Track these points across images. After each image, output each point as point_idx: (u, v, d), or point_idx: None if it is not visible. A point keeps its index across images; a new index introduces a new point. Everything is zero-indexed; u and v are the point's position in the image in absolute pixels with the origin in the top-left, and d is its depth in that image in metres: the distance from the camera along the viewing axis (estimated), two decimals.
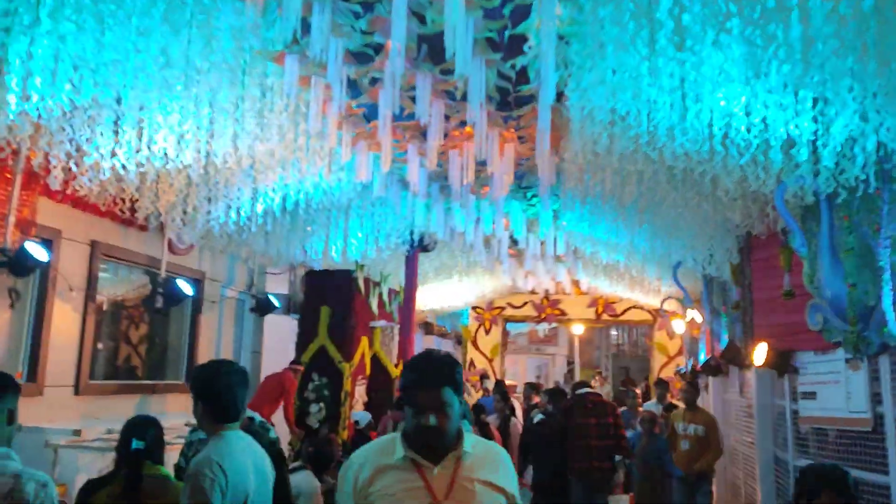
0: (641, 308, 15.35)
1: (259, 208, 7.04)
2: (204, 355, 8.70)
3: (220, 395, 2.89)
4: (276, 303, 9.01)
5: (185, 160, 5.65)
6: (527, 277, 13.73)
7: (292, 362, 9.06)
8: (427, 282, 12.66)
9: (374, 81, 5.24)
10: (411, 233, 9.07)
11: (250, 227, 7.41)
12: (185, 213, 6.71)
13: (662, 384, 8.12)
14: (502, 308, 16.11)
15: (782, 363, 5.95)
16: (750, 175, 5.05)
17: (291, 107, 5.50)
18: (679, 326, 12.61)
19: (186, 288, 7.53)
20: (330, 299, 9.72)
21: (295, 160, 6.10)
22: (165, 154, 5.54)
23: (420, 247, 9.57)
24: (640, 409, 9.86)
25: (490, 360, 15.86)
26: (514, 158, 6.04)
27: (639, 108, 4.69)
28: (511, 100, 5.33)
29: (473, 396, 11.13)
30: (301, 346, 9.72)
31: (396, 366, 11.35)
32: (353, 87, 5.30)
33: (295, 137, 5.70)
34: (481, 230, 9.42)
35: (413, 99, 5.27)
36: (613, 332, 23.47)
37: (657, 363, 15.25)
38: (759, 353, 6.01)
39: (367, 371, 10.35)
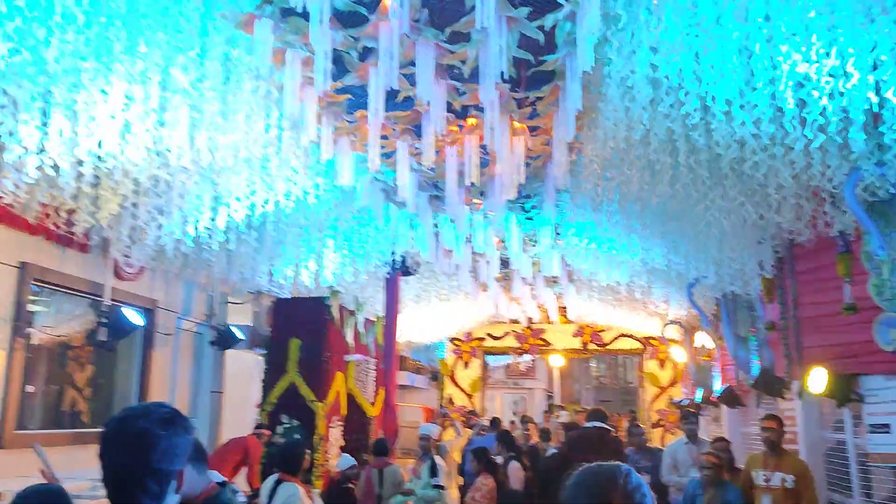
0: (631, 337, 14.49)
1: (221, 222, 6.00)
2: (156, 397, 7.54)
3: None
4: (238, 335, 7.90)
5: (131, 157, 4.62)
6: (511, 304, 12.81)
7: (257, 426, 7.86)
8: (402, 310, 11.64)
9: (364, 55, 4.30)
10: (393, 253, 8.08)
11: (210, 245, 6.37)
12: (132, 227, 5.65)
13: (692, 418, 6.92)
14: (482, 339, 15.11)
15: (844, 391, 5.06)
16: (817, 163, 4.22)
17: (262, 89, 4.53)
18: (679, 354, 11.75)
19: (135, 318, 6.42)
20: (300, 330, 8.64)
21: (265, 158, 5.11)
22: (102, 147, 4.53)
23: (402, 269, 8.58)
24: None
25: (470, 396, 14.79)
26: (523, 155, 5.13)
27: (694, 75, 3.84)
28: (527, 77, 4.42)
29: (464, 436, 10.06)
30: (268, 384, 8.58)
31: (374, 405, 10.25)
32: (338, 63, 4.35)
33: (265, 128, 4.72)
34: (470, 249, 8.49)
35: (409, 78, 4.34)
36: (593, 364, 22.61)
37: (648, 395, 14.35)
38: (817, 380, 5.12)
39: (343, 411, 9.24)
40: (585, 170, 5.24)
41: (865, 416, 4.99)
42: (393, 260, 8.10)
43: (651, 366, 14.50)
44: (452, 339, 15.08)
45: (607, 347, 14.76)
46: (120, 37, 3.90)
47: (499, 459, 7.94)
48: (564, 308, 13.53)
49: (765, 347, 6.63)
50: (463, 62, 4.21)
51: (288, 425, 8.42)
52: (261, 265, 7.40)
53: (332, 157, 5.41)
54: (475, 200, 6.99)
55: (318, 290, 9.12)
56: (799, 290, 5.60)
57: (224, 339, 7.88)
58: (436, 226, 7.69)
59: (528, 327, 14.82)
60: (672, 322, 10.20)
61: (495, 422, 8.82)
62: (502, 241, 8.65)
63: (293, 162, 5.13)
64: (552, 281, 10.60)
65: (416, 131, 5.32)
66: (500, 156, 4.58)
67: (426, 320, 12.88)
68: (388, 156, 5.59)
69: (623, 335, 14.53)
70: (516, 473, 7.12)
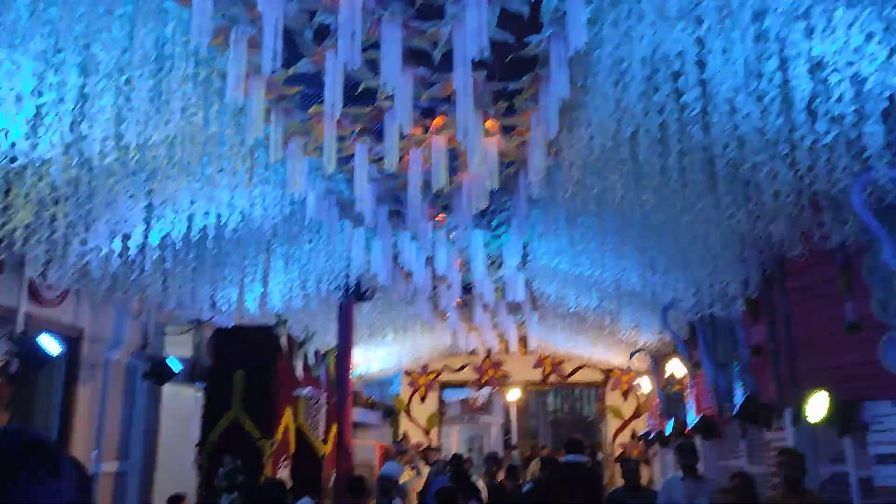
0: (593, 368, 14.05)
1: (155, 238, 5.34)
2: (81, 438, 6.72)
3: None
4: (176, 367, 7.14)
5: (44, 153, 3.97)
6: (470, 334, 12.26)
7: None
8: (356, 343, 10.96)
9: (320, 35, 3.75)
10: (347, 276, 7.46)
11: (143, 265, 5.68)
12: (50, 241, 4.95)
13: (688, 450, 6.09)
14: (439, 372, 14.49)
15: (846, 418, 4.63)
16: (823, 164, 3.82)
17: (201, 75, 3.94)
18: (644, 384, 11.32)
19: (52, 346, 5.65)
20: (245, 362, 7.92)
21: (204, 160, 4.49)
22: (13, 144, 3.88)
23: (357, 295, 7.96)
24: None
25: (427, 432, 14.10)
26: (496, 159, 4.62)
27: (697, 58, 3.41)
28: (506, 65, 3.93)
29: (423, 473, 9.36)
30: (208, 421, 7.82)
31: (325, 442, 9.52)
32: (291, 46, 3.80)
33: (205, 123, 4.11)
34: (430, 273, 7.93)
35: (372, 64, 3.82)
36: (550, 398, 22.09)
37: (611, 428, 13.89)
38: (816, 406, 4.68)
39: (292, 449, 8.50)
40: (563, 176, 4.76)
41: (871, 446, 4.55)
42: (347, 284, 7.47)
43: (613, 397, 14.07)
44: (408, 373, 14.42)
45: (568, 379, 14.29)
46: (28, 6, 3.30)
47: None
48: (525, 338, 13.06)
49: (747, 373, 6.20)
50: (434, 44, 3.70)
51: (231, 467, 7.65)
52: (201, 289, 6.70)
53: (281, 160, 4.83)
54: (438, 218, 6.46)
55: (265, 318, 8.42)
56: (791, 309, 5.19)
57: (159, 372, 7.10)
58: (395, 245, 7.13)
59: (487, 359, 14.28)
60: (639, 350, 9.76)
61: (457, 459, 8.18)
62: (465, 264, 8.14)
63: (237, 164, 4.52)
64: (515, 308, 10.09)
65: (378, 135, 4.79)
66: (471, 155, 4.05)
67: (381, 352, 12.22)
68: (344, 161, 5.03)
69: (584, 366, 14.10)
70: None
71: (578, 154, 4.42)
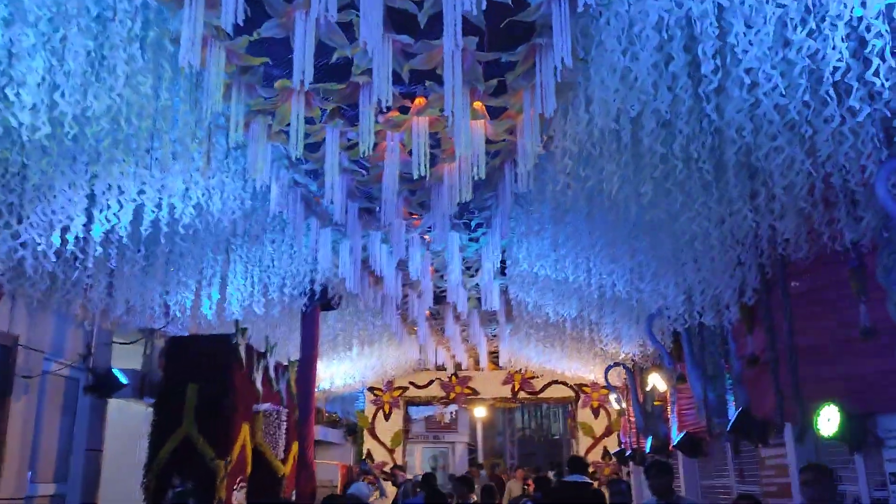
0: (564, 384, 13.66)
1: (98, 232, 4.77)
2: (14, 457, 6.05)
3: None
4: (122, 379, 6.51)
5: None
6: (438, 348, 11.79)
7: None
8: (319, 356, 10.40)
9: None
10: (312, 281, 6.94)
11: (84, 263, 5.10)
12: None
13: (658, 469, 5.50)
14: (404, 388, 13.95)
15: (858, 432, 4.26)
16: (845, 150, 3.46)
17: (150, 37, 3.44)
18: (617, 401, 10.94)
19: None
20: (199, 374, 7.28)
21: (154, 141, 3.97)
22: None
23: (322, 302, 7.43)
24: None
25: (391, 451, 13.52)
26: (483, 144, 4.18)
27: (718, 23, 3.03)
28: (500, 31, 3.50)
29: (389, 496, 8.79)
30: (157, 438, 7.15)
31: (285, 462, 8.89)
32: (255, 4, 3.31)
33: (155, 93, 3.60)
34: (399, 280, 7.47)
35: (347, 29, 3.36)
36: (517, 416, 21.66)
37: (582, 446, 13.48)
38: (827, 420, 4.30)
39: (248, 470, 7.87)
40: (555, 166, 4.33)
41: (886, 464, 4.18)
42: (312, 290, 6.95)
43: (584, 415, 13.69)
44: (372, 389, 13.86)
45: (538, 395, 13.88)
46: None
47: None
48: (496, 353, 12.65)
49: (739, 386, 5.83)
50: (420, 5, 3.25)
51: (180, 489, 7.00)
52: (152, 293, 6.13)
53: (241, 145, 4.34)
54: (413, 216, 6.00)
55: (222, 327, 7.84)
56: (794, 315, 4.82)
57: (103, 385, 6.46)
58: (364, 249, 6.65)
59: (455, 375, 13.79)
60: (616, 364, 9.38)
61: (428, 478, 7.65)
62: (438, 271, 7.69)
63: (191, 147, 4.00)
64: (489, 318, 9.66)
65: (351, 120, 4.32)
66: (458, 136, 3.60)
67: (345, 367, 11.66)
68: (312, 148, 4.55)
69: (555, 382, 13.70)
70: None
71: (574, 140, 4.01)
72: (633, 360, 8.77)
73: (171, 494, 7.00)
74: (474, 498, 7.44)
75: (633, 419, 10.06)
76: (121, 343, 7.78)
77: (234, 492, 7.45)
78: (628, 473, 11.44)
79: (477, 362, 12.83)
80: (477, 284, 8.19)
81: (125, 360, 8.01)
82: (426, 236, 6.58)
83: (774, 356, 5.02)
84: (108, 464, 7.70)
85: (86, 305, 6.15)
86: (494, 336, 11.38)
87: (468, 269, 7.50)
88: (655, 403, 8.47)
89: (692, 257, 5.06)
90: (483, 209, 5.83)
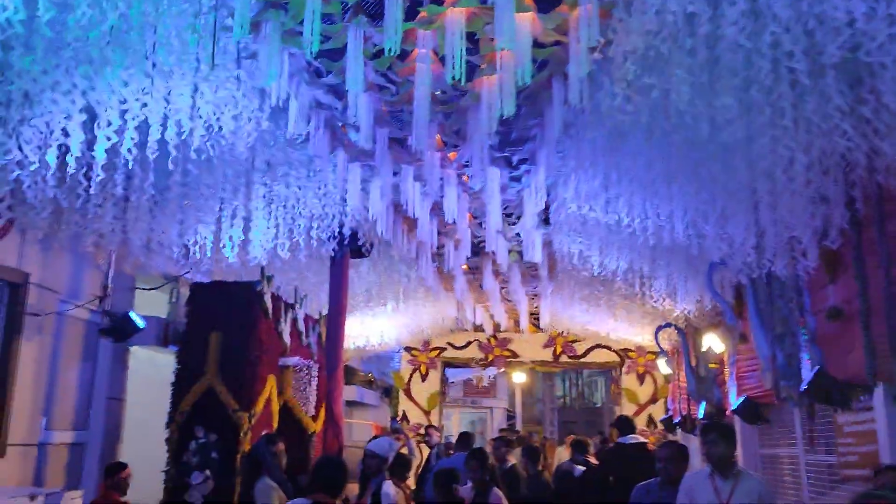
0: (608, 348, 13.05)
1: (100, 152, 4.31)
2: (25, 401, 5.74)
3: None
4: (139, 323, 6.12)
5: None
6: (476, 308, 11.27)
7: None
8: (352, 311, 9.96)
9: None
10: (341, 225, 6.44)
11: (88, 190, 4.67)
12: None
13: (724, 434, 4.25)
14: (442, 349, 13.49)
15: None
16: None
17: None
18: (666, 366, 10.31)
19: None
20: (223, 323, 6.89)
21: (150, 38, 3.47)
22: None
23: (352, 248, 6.94)
24: None
25: (427, 413, 13.11)
26: (529, 45, 3.57)
27: None
28: None
29: (418, 454, 8.33)
30: (180, 389, 6.81)
31: (316, 419, 8.51)
32: None
33: None
34: (434, 225, 6.93)
35: None
36: (557, 383, 21.16)
37: (626, 412, 12.85)
38: None
39: (275, 424, 7.49)
40: (614, 74, 3.72)
41: None
42: (340, 234, 6.45)
43: (629, 381, 13.07)
44: (409, 349, 13.43)
45: (581, 360, 13.28)
46: None
47: (465, 489, 6.15)
48: (536, 315, 12.08)
49: (814, 344, 5.18)
50: None
51: (203, 441, 6.66)
52: (167, 231, 5.69)
53: (252, 55, 3.81)
54: (447, 147, 5.44)
55: (247, 275, 7.43)
56: (892, 259, 4.15)
57: (119, 329, 6.08)
58: (396, 190, 6.12)
59: (494, 336, 13.27)
60: (667, 325, 8.74)
61: (465, 438, 7.14)
62: (476, 218, 7.13)
63: (190, 41, 3.48)
64: (530, 274, 9.08)
65: (375, 18, 3.76)
66: (499, 29, 3.02)
67: (380, 324, 11.23)
68: (333, 55, 4.00)
69: (598, 346, 13.09)
70: (499, 499, 5.46)
71: (639, 39, 3.38)
72: (686, 320, 8.13)
73: (194, 446, 6.66)
74: (513, 460, 6.93)
75: (683, 384, 9.44)
76: (144, 289, 7.43)
77: None
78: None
79: (517, 323, 12.27)
80: (518, 235, 7.62)
81: (150, 308, 7.67)
82: (464, 177, 6.02)
83: (866, 307, 4.35)
84: (134, 414, 7.41)
85: (99, 244, 5.75)
86: (535, 295, 10.82)
87: (509, 215, 6.92)
88: (711, 366, 7.83)
89: (768, 190, 4.41)
90: (526, 140, 5.24)
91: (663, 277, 6.91)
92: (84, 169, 4.54)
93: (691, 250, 5.74)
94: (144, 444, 7.24)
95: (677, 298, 7.12)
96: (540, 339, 13.29)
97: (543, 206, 6.23)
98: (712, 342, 7.42)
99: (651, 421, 12.62)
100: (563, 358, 13.28)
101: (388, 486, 5.04)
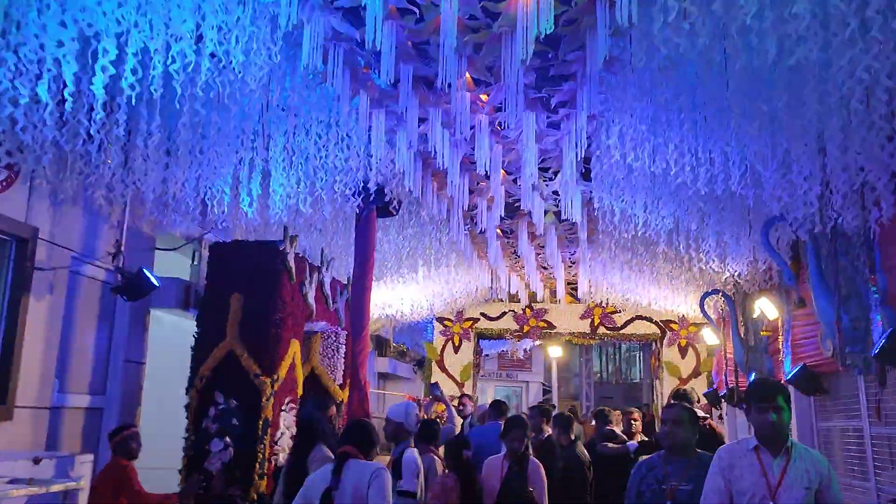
0: (648, 319, 12.54)
1: (99, 89, 3.95)
2: (34, 362, 5.47)
3: None
4: (153, 281, 5.82)
5: None
6: (511, 276, 10.84)
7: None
8: (381, 277, 9.61)
9: None
10: (366, 180, 6.04)
11: (90, 134, 4.33)
12: None
13: (773, 390, 3.31)
14: (475, 319, 13.10)
15: None
16: None
17: None
18: (711, 336, 9.79)
19: None
20: (244, 284, 6.58)
21: None
22: None
23: (378, 205, 6.55)
24: None
25: (460, 385, 12.77)
26: None
27: None
28: None
29: (459, 423, 7.96)
30: (200, 353, 6.53)
31: (343, 388, 8.20)
32: None
33: None
34: (465, 182, 6.51)
35: None
36: (594, 358, 20.67)
37: (667, 387, 12.38)
38: None
39: (299, 391, 7.19)
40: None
41: None
42: (366, 188, 6.06)
43: (670, 354, 12.55)
44: (441, 319, 13.08)
45: (620, 332, 12.78)
46: None
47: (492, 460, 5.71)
48: (573, 285, 11.62)
49: (885, 306, 4.65)
50: None
51: (223, 406, 6.39)
52: (180, 182, 5.35)
53: None
54: (476, 86, 4.98)
55: (269, 233, 7.10)
56: None
57: (132, 287, 5.78)
58: (424, 141, 5.69)
59: (529, 306, 12.84)
60: (714, 291, 8.21)
61: (499, 406, 6.75)
62: (509, 174, 6.68)
63: None
64: (568, 238, 8.61)
65: None
66: None
67: (411, 292, 10.87)
68: None
69: (638, 317, 12.59)
70: (537, 473, 5.05)
71: None
72: (734, 286, 7.59)
73: (214, 412, 6.39)
74: (549, 430, 6.53)
75: (730, 355, 8.92)
76: (163, 249, 7.14)
77: (283, 412, 6.79)
78: (720, 417, 10.34)
79: (553, 293, 11.83)
80: (555, 193, 7.16)
81: (172, 270, 7.40)
82: (497, 125, 5.56)
83: None
84: (156, 379, 7.16)
85: (110, 198, 5.43)
86: (573, 263, 10.35)
87: (545, 170, 6.46)
88: (762, 334, 7.30)
89: (840, 127, 3.90)
90: (566, 78, 4.75)
91: (713, 237, 6.40)
92: (85, 109, 4.22)
93: (747, 203, 5.24)
94: (166, 410, 6.99)
95: (727, 260, 6.59)
96: (577, 309, 12.84)
97: (584, 157, 5.75)
98: (764, 307, 6.89)
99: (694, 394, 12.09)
100: (602, 330, 12.80)
101: (411, 453, 4.66)
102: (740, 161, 4.71)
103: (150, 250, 7.02)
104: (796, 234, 5.46)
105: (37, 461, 4.42)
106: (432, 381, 13.01)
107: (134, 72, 3.86)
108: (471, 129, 5.38)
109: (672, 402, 4.03)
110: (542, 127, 5.30)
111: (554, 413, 6.79)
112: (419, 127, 5.38)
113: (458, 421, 8.00)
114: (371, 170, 5.88)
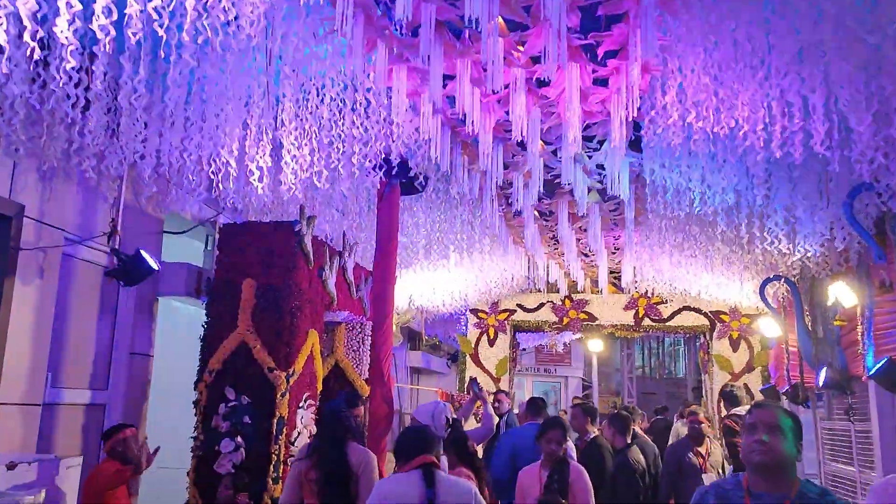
0: (697, 311, 11.72)
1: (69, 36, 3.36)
2: (21, 350, 4.94)
3: None
4: (151, 264, 5.24)
5: None
6: (549, 264, 10.13)
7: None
8: (410, 264, 8.98)
9: None
10: (388, 150, 5.40)
11: (65, 89, 3.77)
12: None
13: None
14: (511, 311, 12.40)
15: None
16: None
17: None
18: (769, 327, 8.97)
19: None
20: (257, 268, 6.01)
21: None
22: None
23: (403, 180, 5.91)
24: None
25: (496, 381, 12.09)
26: None
27: None
28: None
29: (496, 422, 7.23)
30: (209, 344, 5.98)
31: (368, 381, 7.57)
32: None
33: None
34: (499, 154, 5.85)
35: None
36: (635, 352, 19.82)
37: (717, 382, 11.56)
38: None
39: (319, 387, 6.60)
40: None
41: None
42: (388, 161, 5.42)
43: (720, 346, 11.71)
44: (475, 311, 12.41)
45: (667, 324, 11.97)
46: None
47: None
48: (616, 273, 10.88)
49: None
50: None
51: (234, 403, 5.82)
52: (178, 151, 4.77)
53: None
54: (510, 34, 4.30)
55: (286, 215, 6.54)
56: None
57: (129, 270, 5.22)
58: (449, 101, 5.05)
59: (569, 297, 12.11)
60: (776, 277, 7.40)
61: (536, 405, 6.01)
62: (547, 144, 5.98)
63: None
64: (611, 219, 7.89)
65: None
66: None
67: (443, 281, 10.22)
68: None
69: (686, 308, 11.77)
70: (581, 481, 4.34)
71: None
72: (801, 270, 6.78)
73: (224, 409, 5.83)
74: (595, 430, 5.83)
75: (792, 348, 8.11)
76: (172, 233, 6.60)
77: (300, 410, 6.20)
78: None
79: (595, 283, 11.08)
80: (600, 168, 6.44)
81: (184, 255, 6.88)
82: (535, 81, 4.87)
83: None
84: (160, 373, 6.64)
85: (101, 170, 4.88)
86: (616, 250, 9.60)
87: (590, 139, 5.75)
88: (836, 323, 6.49)
89: None
90: (617, 19, 4.04)
91: (781, 211, 5.63)
92: (58, 61, 3.64)
93: (827, 168, 4.48)
94: (179, 406, 6.45)
95: (796, 239, 5.81)
96: (620, 300, 12.07)
97: (633, 121, 5.03)
98: (840, 294, 6.08)
99: (748, 391, 11.25)
100: (647, 322, 12.00)
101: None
102: (825, 115, 3.97)
103: (158, 234, 6.48)
104: (886, 205, 4.68)
105: (11, 466, 3.89)
106: (468, 375, 12.35)
107: (107, 12, 3.27)
108: (505, 87, 4.70)
109: (764, 401, 3.20)
110: (586, 83, 4.59)
111: (612, 413, 6.00)
112: (445, 87, 4.72)
113: (496, 420, 7.32)
114: (393, 139, 5.24)
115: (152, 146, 4.72)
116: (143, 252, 5.17)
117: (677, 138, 4.82)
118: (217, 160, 5.07)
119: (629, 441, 5.22)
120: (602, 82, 4.74)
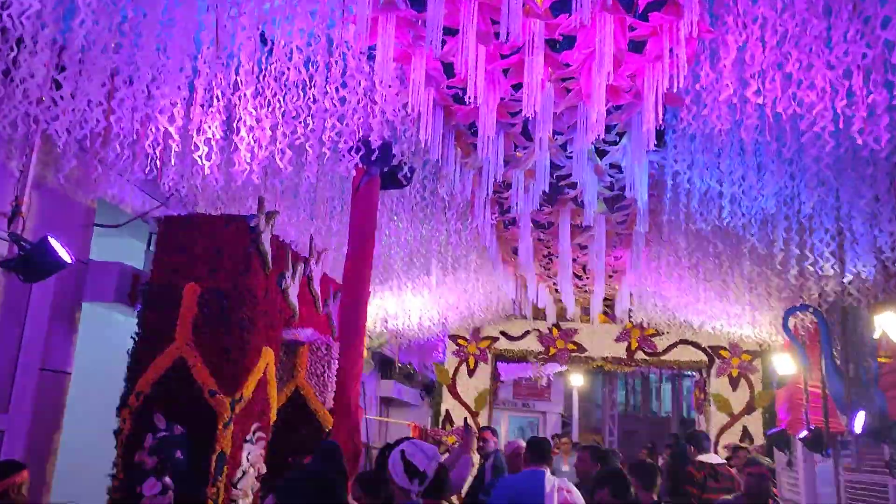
0: (695, 345, 10.82)
1: None
2: None
3: None
4: (62, 255, 4.15)
5: None
6: (540, 286, 9.19)
7: None
8: (385, 281, 7.96)
9: None
10: (367, 133, 4.41)
11: None
12: None
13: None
14: (494, 339, 11.39)
15: None
16: None
17: None
18: (785, 364, 8.07)
19: None
20: (201, 270, 4.97)
21: None
22: None
23: (383, 167, 4.92)
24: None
25: (475, 415, 11.03)
26: None
27: None
28: None
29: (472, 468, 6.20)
30: (139, 360, 4.90)
31: (332, 412, 6.45)
32: None
33: None
34: (499, 141, 4.93)
35: None
36: (617, 388, 18.86)
37: (715, 424, 10.62)
38: None
39: (272, 415, 5.51)
40: None
41: None
42: (367, 142, 4.43)
43: (718, 385, 10.80)
44: (455, 337, 11.38)
45: (661, 357, 11.05)
46: None
47: None
48: (609, 300, 9.98)
49: None
50: None
51: (165, 434, 4.72)
52: (99, 108, 3.75)
53: None
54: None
55: (243, 209, 5.53)
56: None
57: (31, 262, 4.10)
58: (441, 68, 4.11)
59: (557, 325, 11.15)
60: (801, 307, 6.50)
61: (540, 447, 4.83)
62: (556, 137, 5.06)
63: None
64: (617, 232, 6.96)
65: None
66: None
67: (421, 302, 9.21)
68: None
69: (683, 341, 10.86)
70: None
71: None
72: (837, 298, 5.87)
73: (152, 442, 4.73)
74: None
75: (813, 388, 7.19)
76: (103, 226, 5.54)
77: (247, 444, 5.12)
78: (789, 463, 8.58)
79: (586, 311, 10.15)
80: (614, 170, 5.54)
81: (120, 256, 5.81)
82: (558, 38, 3.94)
83: None
84: (79, 393, 5.52)
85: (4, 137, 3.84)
86: (614, 273, 8.68)
87: (608, 128, 4.82)
88: (880, 360, 5.59)
89: None
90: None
91: (832, 222, 4.73)
92: None
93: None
94: (99, 435, 5.32)
95: (846, 255, 4.90)
96: (612, 330, 11.14)
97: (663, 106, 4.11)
98: (888, 325, 5.19)
99: (746, 434, 10.36)
100: (640, 355, 11.07)
101: None
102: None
103: (86, 226, 5.41)
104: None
105: None
106: (443, 407, 11.26)
107: None
108: (516, 50, 3.78)
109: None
110: (620, 45, 3.67)
111: (635, 462, 4.90)
112: (443, 47, 3.79)
113: (476, 461, 6.27)
114: (374, 115, 4.27)
115: (67, 104, 3.70)
116: (51, 239, 4.08)
117: (723, 123, 3.91)
118: (154, 130, 4.07)
119: (655, 499, 4.15)
120: (637, 48, 3.82)
